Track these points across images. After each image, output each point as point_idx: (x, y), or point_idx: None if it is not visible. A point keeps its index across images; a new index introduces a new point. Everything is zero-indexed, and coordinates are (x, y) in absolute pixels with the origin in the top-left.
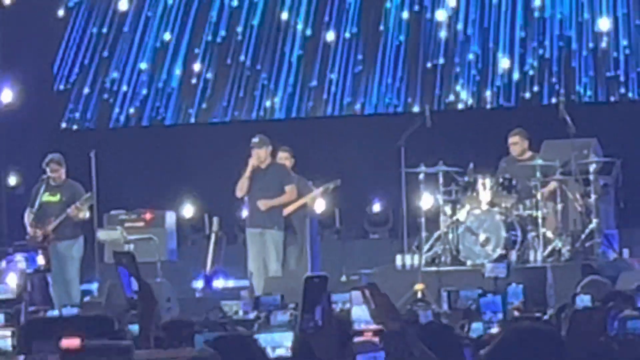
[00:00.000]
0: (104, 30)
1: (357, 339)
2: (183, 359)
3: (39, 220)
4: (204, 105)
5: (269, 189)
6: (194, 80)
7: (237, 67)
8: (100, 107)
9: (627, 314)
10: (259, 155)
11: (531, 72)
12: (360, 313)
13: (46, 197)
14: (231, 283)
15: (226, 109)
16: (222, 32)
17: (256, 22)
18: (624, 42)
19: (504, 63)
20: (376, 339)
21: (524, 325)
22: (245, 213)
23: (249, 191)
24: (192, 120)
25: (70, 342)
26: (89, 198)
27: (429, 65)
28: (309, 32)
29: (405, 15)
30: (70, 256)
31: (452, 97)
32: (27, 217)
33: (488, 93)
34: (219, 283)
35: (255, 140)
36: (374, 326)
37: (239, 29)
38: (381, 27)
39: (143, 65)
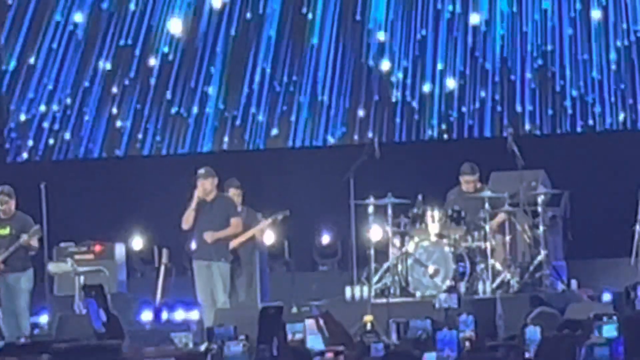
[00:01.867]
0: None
1: None
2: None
3: None
4: (157, 138)
5: (214, 221)
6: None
7: (188, 96)
8: (50, 138)
9: (594, 341)
10: (205, 187)
11: (476, 105)
12: (314, 342)
13: None
14: (181, 315)
15: (177, 141)
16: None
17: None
18: (568, 74)
19: (448, 94)
20: None
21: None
22: (194, 245)
23: (195, 223)
24: (145, 152)
25: None
26: (37, 230)
27: (375, 97)
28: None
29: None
30: (20, 288)
31: (401, 129)
32: None
33: (433, 125)
34: (168, 315)
35: (201, 171)
36: (335, 348)
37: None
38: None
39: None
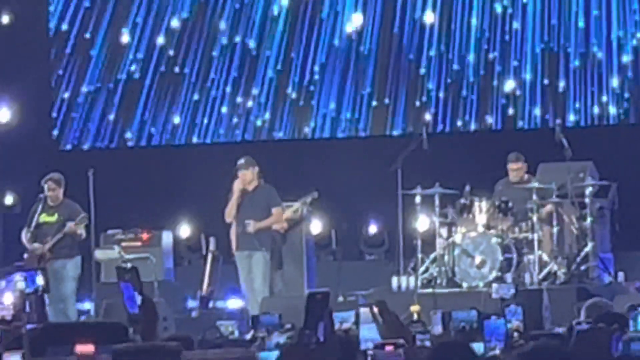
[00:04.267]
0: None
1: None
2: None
3: (36, 240)
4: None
5: (255, 211)
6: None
7: (232, 88)
8: (98, 126)
9: (632, 335)
10: (245, 177)
11: (523, 97)
12: (367, 333)
13: (43, 218)
14: (227, 303)
15: (226, 129)
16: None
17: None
18: (623, 60)
19: (508, 85)
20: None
21: (540, 343)
22: (235, 235)
23: (237, 213)
24: (194, 140)
25: (85, 348)
26: (84, 218)
27: (429, 86)
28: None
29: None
30: (66, 275)
31: (448, 120)
32: (25, 237)
33: (481, 116)
34: (214, 303)
35: (241, 162)
36: (395, 340)
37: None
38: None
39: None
